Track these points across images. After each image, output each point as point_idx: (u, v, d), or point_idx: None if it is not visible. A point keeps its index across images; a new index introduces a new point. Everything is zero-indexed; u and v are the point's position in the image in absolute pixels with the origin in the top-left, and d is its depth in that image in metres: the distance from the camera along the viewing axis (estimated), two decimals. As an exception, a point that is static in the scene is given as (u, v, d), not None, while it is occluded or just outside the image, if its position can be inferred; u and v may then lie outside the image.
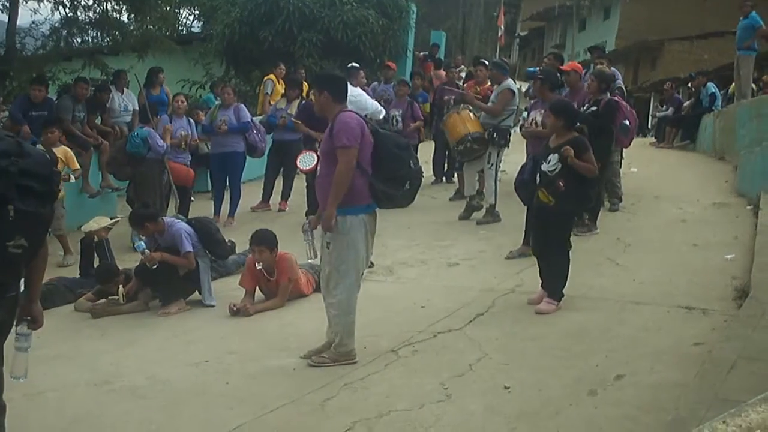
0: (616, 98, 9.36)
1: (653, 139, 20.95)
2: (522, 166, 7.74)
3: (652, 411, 4.91)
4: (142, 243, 8.10)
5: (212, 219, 8.52)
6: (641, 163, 14.25)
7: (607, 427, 4.75)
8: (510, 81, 10.78)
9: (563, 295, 6.99)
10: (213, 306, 8.04)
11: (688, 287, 7.45)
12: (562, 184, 6.92)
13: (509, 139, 10.59)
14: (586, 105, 9.29)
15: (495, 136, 10.35)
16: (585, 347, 6.11)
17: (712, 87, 18.70)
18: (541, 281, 7.21)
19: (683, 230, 9.79)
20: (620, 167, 11.23)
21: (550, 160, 7.03)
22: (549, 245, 7.11)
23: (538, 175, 7.15)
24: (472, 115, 10.56)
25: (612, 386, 5.35)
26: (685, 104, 19.81)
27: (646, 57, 35.90)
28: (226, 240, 8.83)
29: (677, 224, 10.14)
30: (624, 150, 11.25)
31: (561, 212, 7.06)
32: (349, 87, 9.73)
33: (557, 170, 6.96)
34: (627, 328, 6.49)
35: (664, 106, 21.36)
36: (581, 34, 43.80)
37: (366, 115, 9.73)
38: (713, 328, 6.33)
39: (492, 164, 10.48)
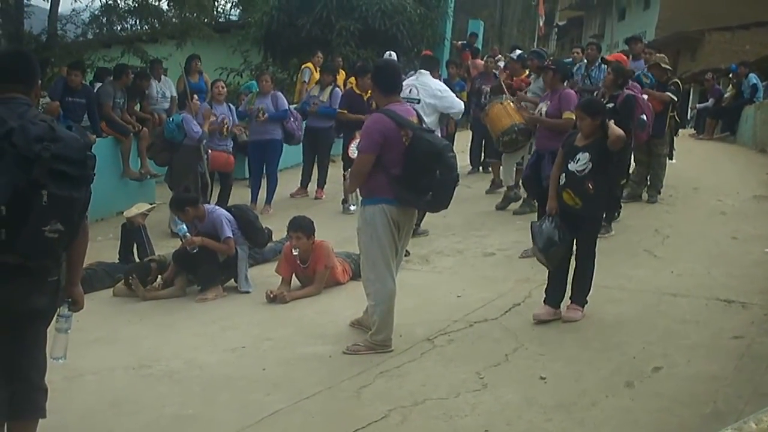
0: (632, 92, 9.15)
1: (693, 131, 20.74)
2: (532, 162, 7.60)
3: (690, 404, 4.88)
4: (184, 227, 8.14)
5: (250, 207, 8.55)
6: (680, 154, 14.06)
7: (643, 420, 4.72)
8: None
9: (587, 302, 6.58)
10: (249, 292, 8.08)
11: (726, 280, 7.37)
12: (591, 186, 6.39)
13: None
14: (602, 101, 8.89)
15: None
16: (622, 339, 6.08)
17: (753, 78, 18.46)
18: (545, 296, 6.63)
19: (722, 223, 9.69)
20: (671, 159, 11.14)
21: (578, 159, 6.46)
22: (579, 252, 6.57)
23: (563, 174, 6.54)
24: (514, 106, 10.47)
25: (649, 378, 5.32)
26: (725, 95, 19.57)
27: (686, 48, 35.44)
28: (264, 228, 8.86)
29: (716, 216, 10.04)
30: (674, 142, 11.19)
31: (592, 217, 6.61)
32: (436, 82, 9.81)
33: (587, 170, 6.41)
34: (665, 320, 6.44)
35: (705, 98, 21.12)
36: (620, 24, 43.34)
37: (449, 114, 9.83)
38: (752, 322, 6.27)
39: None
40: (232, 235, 8.11)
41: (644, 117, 9.12)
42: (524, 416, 4.85)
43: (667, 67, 10.98)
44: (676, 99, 10.80)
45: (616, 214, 9.48)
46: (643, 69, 11.17)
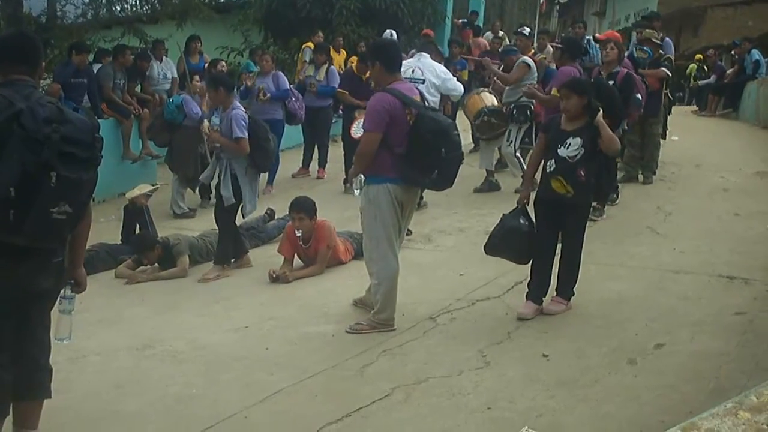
0: (631, 72, 9.08)
1: (695, 107, 20.68)
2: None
3: (693, 380, 4.89)
4: (217, 119, 8.23)
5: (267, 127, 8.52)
6: (682, 131, 14.08)
7: (646, 396, 4.73)
8: (527, 58, 10.57)
9: (573, 294, 6.27)
10: (253, 210, 8.18)
11: (729, 256, 7.38)
12: (583, 173, 6.02)
13: (529, 116, 10.43)
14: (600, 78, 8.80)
15: (514, 112, 10.28)
16: (624, 316, 6.08)
17: (756, 54, 18.38)
18: (528, 290, 6.30)
19: (725, 199, 9.69)
20: (664, 139, 11.03)
21: (569, 144, 6.05)
22: (566, 243, 6.23)
23: (553, 160, 6.14)
24: (492, 96, 10.51)
25: (652, 355, 5.33)
26: (728, 72, 19.50)
27: (689, 24, 35.30)
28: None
29: (719, 193, 10.04)
30: (668, 121, 11.12)
31: (582, 205, 6.22)
32: (440, 66, 9.83)
33: (579, 156, 6.01)
34: (667, 297, 6.45)
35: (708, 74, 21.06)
36: (622, 1, 43.12)
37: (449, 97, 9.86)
38: (755, 298, 6.28)
39: (511, 142, 10.40)
40: (245, 136, 7.93)
41: (638, 96, 9.00)
42: (527, 393, 4.86)
43: (657, 41, 10.84)
44: (670, 75, 10.66)
45: (615, 196, 9.37)
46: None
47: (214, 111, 8.63)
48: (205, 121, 8.56)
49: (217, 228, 8.28)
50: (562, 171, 6.06)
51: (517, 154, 10.45)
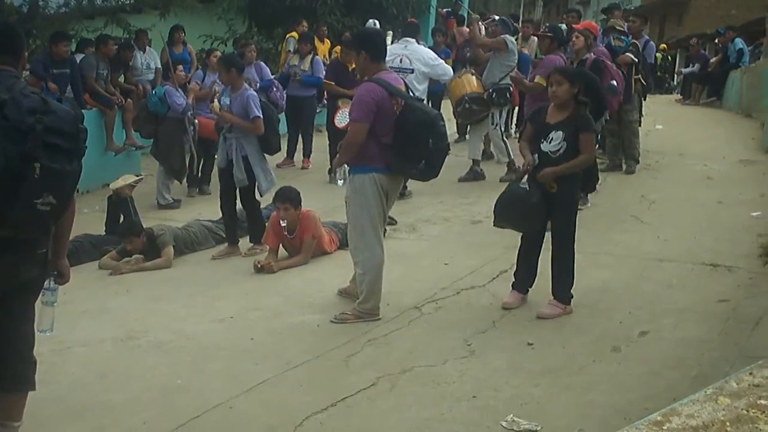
0: (601, 58, 9.08)
1: (679, 96, 20.75)
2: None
3: (677, 367, 4.93)
4: (227, 100, 8.36)
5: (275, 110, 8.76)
6: (666, 120, 14.14)
7: (630, 383, 4.76)
8: (509, 36, 10.59)
9: (572, 296, 6.04)
10: (273, 186, 8.29)
11: (713, 244, 7.42)
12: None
13: (509, 98, 10.47)
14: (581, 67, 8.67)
15: (494, 95, 10.29)
16: (609, 304, 6.12)
17: (739, 43, 18.46)
18: (514, 280, 6.25)
19: (709, 187, 9.73)
20: (639, 126, 10.98)
21: (551, 139, 5.94)
22: (556, 239, 6.07)
23: (536, 156, 6.03)
24: (474, 79, 10.49)
25: (636, 343, 5.37)
26: (711, 60, 19.56)
27: (673, 12, 35.40)
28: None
29: (703, 181, 10.08)
30: (643, 107, 11.10)
31: (568, 199, 6.04)
32: (429, 51, 9.86)
33: (561, 150, 5.90)
34: (651, 285, 6.49)
35: (691, 63, 21.12)
36: (606, -10, 43.21)
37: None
38: (738, 285, 6.32)
39: (496, 124, 10.48)
40: (261, 115, 8.17)
41: (614, 83, 8.99)
42: (511, 382, 4.88)
43: (621, 29, 10.80)
44: (636, 60, 10.48)
45: (596, 186, 9.27)
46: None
47: (224, 91, 8.87)
48: (216, 101, 8.72)
49: (223, 214, 8.55)
50: (546, 166, 5.94)
51: (504, 138, 10.48)
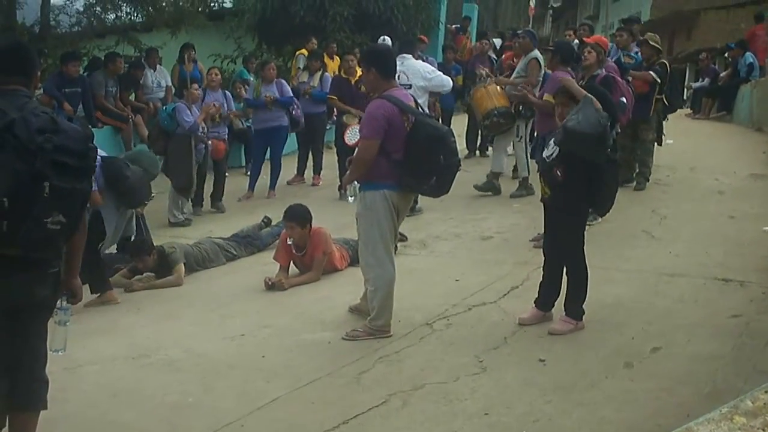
0: (612, 74, 9.03)
1: (689, 111, 20.71)
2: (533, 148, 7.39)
3: (689, 383, 4.90)
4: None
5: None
6: (677, 134, 14.08)
7: (643, 400, 4.74)
8: (536, 51, 10.60)
9: (584, 312, 5.99)
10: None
11: (724, 259, 7.39)
12: (560, 174, 5.85)
13: (535, 111, 10.44)
14: (581, 82, 8.42)
15: (521, 108, 10.28)
16: (620, 320, 6.10)
17: (750, 57, 18.40)
18: (538, 296, 6.19)
19: (719, 202, 9.70)
20: (654, 146, 10.72)
21: (550, 145, 5.98)
22: (560, 250, 6.08)
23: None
24: (499, 88, 10.49)
25: (648, 359, 5.34)
26: (721, 74, 19.52)
27: (682, 27, 35.33)
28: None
29: (713, 196, 10.05)
30: (664, 128, 11.00)
31: (568, 210, 5.98)
32: (425, 64, 9.88)
33: (554, 154, 5.87)
34: (663, 300, 6.46)
35: (701, 77, 21.07)
36: (616, 4, 43.01)
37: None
38: (750, 300, 6.29)
39: (521, 137, 10.49)
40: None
41: (623, 99, 8.91)
42: (524, 398, 4.86)
43: (656, 45, 10.71)
44: (659, 81, 10.33)
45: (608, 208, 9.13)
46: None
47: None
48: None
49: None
50: (542, 172, 6.11)
51: (527, 153, 10.43)
